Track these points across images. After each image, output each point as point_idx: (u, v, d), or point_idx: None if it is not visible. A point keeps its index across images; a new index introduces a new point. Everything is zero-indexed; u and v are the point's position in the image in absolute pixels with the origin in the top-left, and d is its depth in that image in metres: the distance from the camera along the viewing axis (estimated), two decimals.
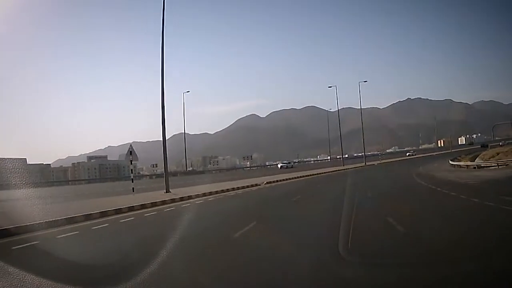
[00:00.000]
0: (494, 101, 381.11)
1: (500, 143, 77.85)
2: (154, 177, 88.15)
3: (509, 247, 6.77)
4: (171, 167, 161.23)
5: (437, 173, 35.41)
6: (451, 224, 9.75)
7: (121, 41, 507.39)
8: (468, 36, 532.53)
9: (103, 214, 15.08)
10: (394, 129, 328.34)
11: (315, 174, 46.19)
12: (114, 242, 10.05)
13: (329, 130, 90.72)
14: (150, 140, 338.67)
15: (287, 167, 77.31)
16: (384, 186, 25.14)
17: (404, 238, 8.27)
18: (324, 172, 50.06)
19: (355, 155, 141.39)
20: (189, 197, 21.71)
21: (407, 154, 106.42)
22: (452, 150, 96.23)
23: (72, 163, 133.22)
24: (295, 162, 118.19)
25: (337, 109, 70.50)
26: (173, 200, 20.34)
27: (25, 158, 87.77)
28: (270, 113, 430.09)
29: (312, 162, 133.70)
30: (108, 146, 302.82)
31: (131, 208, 16.84)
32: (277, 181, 35.54)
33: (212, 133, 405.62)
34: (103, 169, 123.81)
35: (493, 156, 51.38)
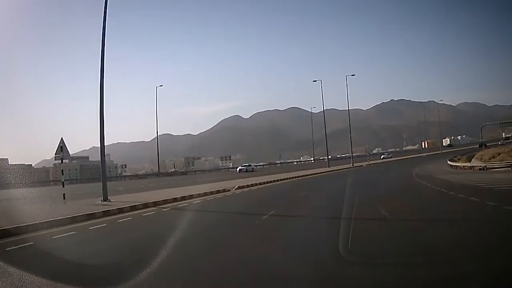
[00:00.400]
0: (478, 102, 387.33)
1: (499, 143, 75.70)
2: (137, 178, 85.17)
3: None
4: (154, 168, 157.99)
5: (445, 175, 30.50)
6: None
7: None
8: (451, 38, 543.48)
9: None
10: (377, 131, 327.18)
11: (299, 177, 40.33)
12: None
13: (312, 131, 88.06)
14: (134, 141, 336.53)
15: (246, 171, 69.84)
16: (393, 197, 19.56)
17: None
18: (309, 175, 44.17)
19: (338, 156, 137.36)
20: (120, 211, 15.67)
21: (382, 157, 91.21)
22: (443, 151, 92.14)
23: (54, 164, 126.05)
24: (278, 163, 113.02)
25: (320, 111, 66.35)
26: (90, 217, 14.07)
27: (7, 158, 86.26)
28: (254, 114, 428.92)
29: (295, 163, 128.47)
30: (93, 147, 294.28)
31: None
32: (252, 185, 29.49)
33: (195, 134, 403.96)
34: (85, 170, 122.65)
35: (493, 157, 46.69)
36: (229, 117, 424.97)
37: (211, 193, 23.51)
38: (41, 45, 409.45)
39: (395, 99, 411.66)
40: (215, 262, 6.95)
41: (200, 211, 15.83)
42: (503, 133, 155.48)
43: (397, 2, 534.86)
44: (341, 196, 15.95)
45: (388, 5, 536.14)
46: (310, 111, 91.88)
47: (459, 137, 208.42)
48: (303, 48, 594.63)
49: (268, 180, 34.48)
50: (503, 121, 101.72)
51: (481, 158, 49.35)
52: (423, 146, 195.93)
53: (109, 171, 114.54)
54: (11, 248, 9.03)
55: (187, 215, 14.43)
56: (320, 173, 47.09)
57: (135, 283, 5.51)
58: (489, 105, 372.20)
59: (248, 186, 28.74)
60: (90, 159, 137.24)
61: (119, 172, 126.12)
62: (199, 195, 22.09)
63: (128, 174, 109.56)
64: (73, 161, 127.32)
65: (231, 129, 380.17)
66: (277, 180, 34.97)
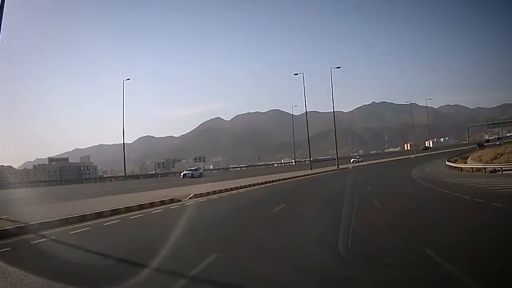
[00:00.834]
0: (459, 105, 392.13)
1: (497, 142, 73.64)
2: (120, 179, 76.77)
3: None
4: (135, 170, 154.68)
5: (461, 179, 25.67)
6: None
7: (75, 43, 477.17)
8: (433, 41, 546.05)
9: None
10: (359, 133, 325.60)
11: (277, 181, 34.11)
12: None
13: (294, 133, 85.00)
14: (116, 143, 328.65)
15: (192, 176, 56.59)
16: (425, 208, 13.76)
17: None
18: (288, 178, 37.96)
19: (321, 158, 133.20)
20: None
21: (352, 160, 77.05)
22: (432, 153, 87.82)
23: (34, 165, 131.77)
24: (259, 166, 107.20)
25: (301, 113, 61.38)
26: None
27: None
28: (235, 116, 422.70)
29: (275, 165, 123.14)
30: (75, 149, 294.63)
31: None
32: (213, 192, 23.01)
33: (177, 136, 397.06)
34: (64, 172, 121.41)
35: (495, 158, 41.75)
36: (211, 119, 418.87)
37: (151, 205, 17.04)
38: (27, 47, 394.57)
39: (376, 102, 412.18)
40: None
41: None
42: (486, 135, 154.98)
43: (379, 6, 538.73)
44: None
45: (369, 8, 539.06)
46: (291, 113, 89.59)
47: (442, 139, 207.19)
48: (285, 51, 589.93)
49: (248, 184, 29.07)
50: (490, 122, 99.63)
51: (480, 159, 44.46)
52: (405, 148, 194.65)
53: (88, 173, 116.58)
54: None
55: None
56: (299, 177, 40.52)
57: None
58: (471, 108, 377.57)
59: (229, 190, 24.21)
60: (70, 161, 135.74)
61: (100, 174, 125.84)
62: (128, 209, 15.49)
63: (110, 175, 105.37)
64: (53, 163, 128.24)
65: (212, 131, 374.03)
66: (253, 185, 28.87)
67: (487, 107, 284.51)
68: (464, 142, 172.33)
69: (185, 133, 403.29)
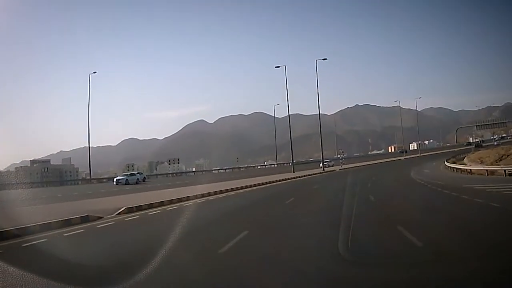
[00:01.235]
0: (443, 107, 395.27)
1: (494, 143, 71.70)
2: (103, 181, 72.76)
3: None
4: (119, 172, 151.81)
5: (473, 184, 20.45)
6: None
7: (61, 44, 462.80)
8: (416, 44, 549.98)
9: None
10: (342, 136, 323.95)
11: (247, 187, 28.36)
12: None
13: (275, 134, 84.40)
14: (101, 146, 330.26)
15: (126, 183, 44.73)
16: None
17: None
18: (266, 183, 32.29)
19: (303, 160, 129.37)
20: None
21: (320, 165, 62.40)
22: (422, 154, 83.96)
23: (15, 168, 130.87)
24: (239, 168, 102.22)
25: (284, 115, 57.58)
26: None
27: None
28: (218, 119, 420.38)
29: (259, 167, 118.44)
30: (60, 151, 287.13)
31: None
32: (170, 202, 17.29)
33: (161, 138, 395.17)
34: (45, 174, 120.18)
35: (500, 159, 37.20)
36: (194, 121, 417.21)
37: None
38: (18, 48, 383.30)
39: (360, 104, 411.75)
40: None
41: None
42: (471, 138, 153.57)
43: (363, 7, 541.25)
44: None
45: (354, 9, 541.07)
46: (274, 115, 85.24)
47: (426, 142, 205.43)
48: (268, 53, 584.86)
49: (214, 191, 23.10)
50: (478, 124, 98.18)
51: (481, 160, 39.91)
52: (389, 151, 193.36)
53: (70, 175, 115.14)
54: None
55: None
56: (276, 182, 34.42)
57: None
58: (454, 110, 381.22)
59: (143, 208, 16.49)
60: (52, 163, 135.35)
61: (83, 176, 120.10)
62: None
63: (94, 177, 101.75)
64: (35, 165, 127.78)
65: (195, 134, 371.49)
66: (187, 199, 22.93)
67: (471, 109, 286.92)
68: (448, 144, 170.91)
69: (168, 135, 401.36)
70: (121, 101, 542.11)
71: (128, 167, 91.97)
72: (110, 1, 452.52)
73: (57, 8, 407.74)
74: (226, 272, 6.26)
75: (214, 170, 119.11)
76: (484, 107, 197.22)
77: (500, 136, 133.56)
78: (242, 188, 27.23)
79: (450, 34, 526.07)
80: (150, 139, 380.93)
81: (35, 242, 9.32)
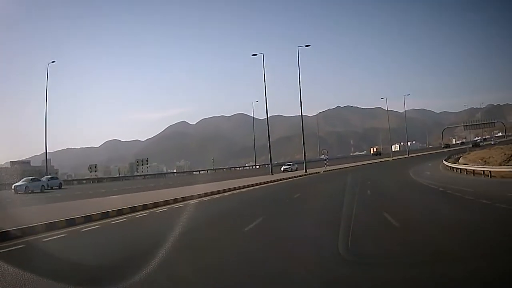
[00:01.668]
0: (425, 109, 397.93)
1: (492, 142, 69.43)
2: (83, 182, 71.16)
3: None
4: (99, 174, 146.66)
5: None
6: None
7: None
8: (398, 46, 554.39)
9: None
10: (324, 137, 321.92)
11: (206, 195, 22.50)
12: None
13: (254, 135, 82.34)
14: (84, 147, 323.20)
15: (26, 190, 35.95)
16: None
17: None
18: (232, 189, 26.47)
19: (287, 162, 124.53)
20: None
21: (282, 168, 58.35)
22: (411, 155, 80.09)
23: None
24: (220, 169, 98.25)
25: (264, 118, 52.46)
26: None
27: None
28: (200, 120, 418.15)
29: (239, 169, 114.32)
30: (43, 153, 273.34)
31: None
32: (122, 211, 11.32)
33: (143, 139, 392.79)
34: (25, 175, 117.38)
35: (509, 159, 32.44)
36: (176, 123, 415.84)
37: None
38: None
39: (341, 106, 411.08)
40: None
41: None
42: (453, 139, 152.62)
43: (343, 10, 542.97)
44: None
45: (337, 9, 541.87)
46: (256, 116, 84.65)
47: (409, 143, 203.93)
48: (248, 54, 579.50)
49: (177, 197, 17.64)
50: (466, 124, 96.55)
51: (484, 161, 35.18)
52: (371, 153, 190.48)
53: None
54: None
55: None
56: (247, 187, 28.38)
57: None
58: (436, 112, 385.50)
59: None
60: (31, 164, 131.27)
61: (65, 177, 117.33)
62: None
63: (75, 179, 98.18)
64: (14, 166, 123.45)
65: (177, 135, 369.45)
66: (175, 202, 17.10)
67: (453, 111, 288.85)
68: (430, 146, 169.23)
69: (150, 137, 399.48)
70: (104, 103, 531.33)
71: (90, 168, 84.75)
72: (90, 2, 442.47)
73: (34, 11, 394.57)
74: None
75: (195, 171, 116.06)
76: (467, 108, 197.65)
77: (482, 137, 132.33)
78: (192, 197, 20.07)
79: (432, 36, 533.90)
80: (133, 140, 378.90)
81: None
